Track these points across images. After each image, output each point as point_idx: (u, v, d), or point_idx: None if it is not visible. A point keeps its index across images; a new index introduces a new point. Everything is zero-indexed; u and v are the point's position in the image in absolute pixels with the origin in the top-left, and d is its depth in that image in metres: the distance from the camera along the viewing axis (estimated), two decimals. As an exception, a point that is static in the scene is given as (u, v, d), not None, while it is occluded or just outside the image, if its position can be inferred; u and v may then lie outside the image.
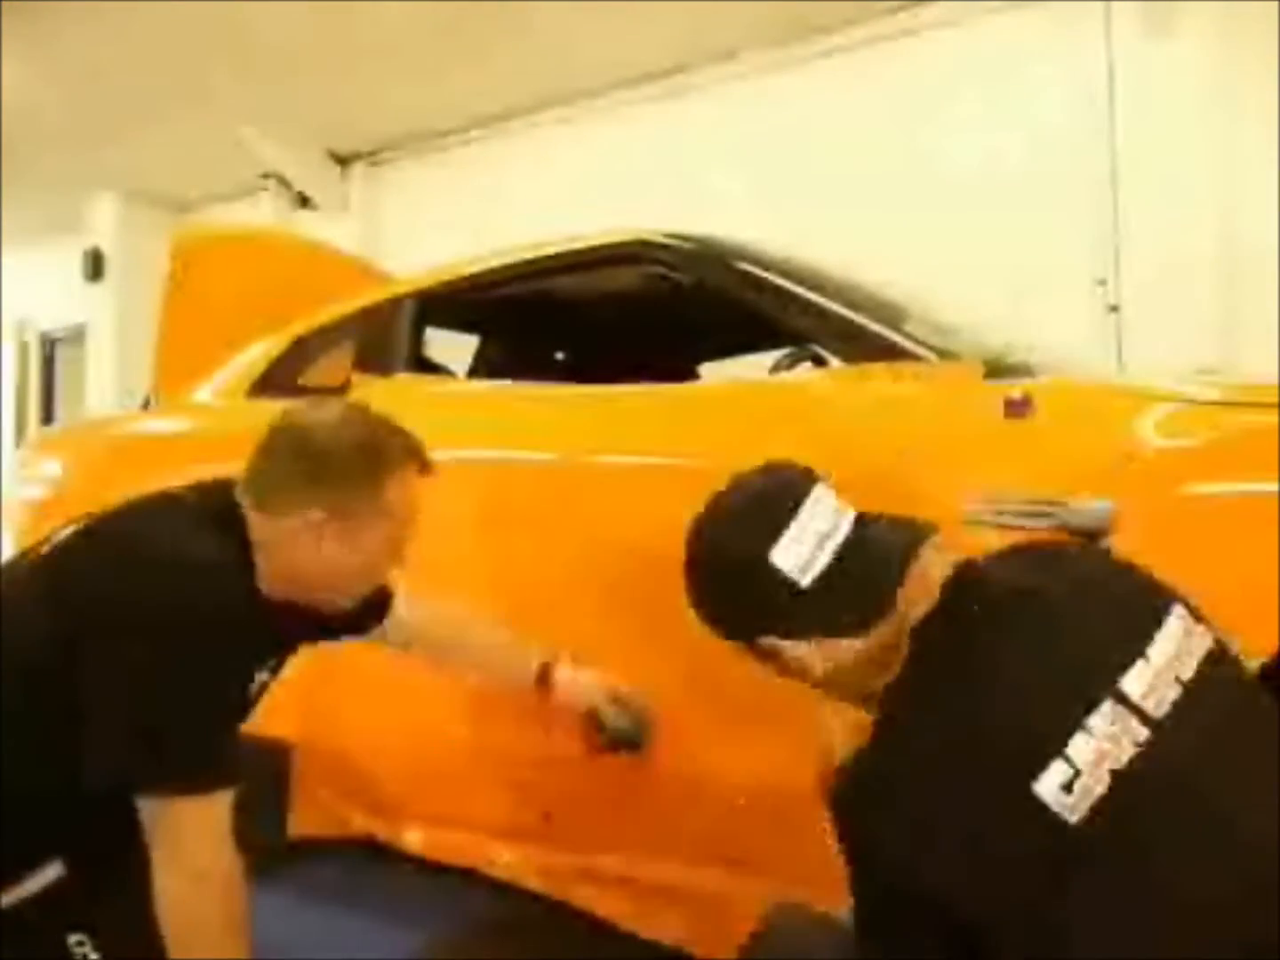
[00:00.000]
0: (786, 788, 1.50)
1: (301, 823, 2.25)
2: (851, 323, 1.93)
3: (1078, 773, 0.93)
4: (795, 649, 1.12)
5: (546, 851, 1.98)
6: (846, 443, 1.78)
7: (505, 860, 2.01)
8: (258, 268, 3.24)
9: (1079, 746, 0.94)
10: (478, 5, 4.55)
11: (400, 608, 1.72)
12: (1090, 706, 0.96)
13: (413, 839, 2.13)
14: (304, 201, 6.37)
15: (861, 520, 1.14)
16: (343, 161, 6.37)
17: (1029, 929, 0.91)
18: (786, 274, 2.07)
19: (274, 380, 2.80)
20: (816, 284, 2.05)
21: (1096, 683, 0.98)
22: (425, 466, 1.45)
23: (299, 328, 2.84)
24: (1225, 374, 3.03)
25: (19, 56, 4.94)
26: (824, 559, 1.10)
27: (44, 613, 1.28)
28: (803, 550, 1.10)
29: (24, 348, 7.95)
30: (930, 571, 1.10)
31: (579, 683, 1.79)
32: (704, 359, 3.31)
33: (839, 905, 1.09)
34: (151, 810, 1.24)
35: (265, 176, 6.27)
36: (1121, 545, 1.47)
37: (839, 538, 1.11)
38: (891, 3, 4.57)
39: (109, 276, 6.90)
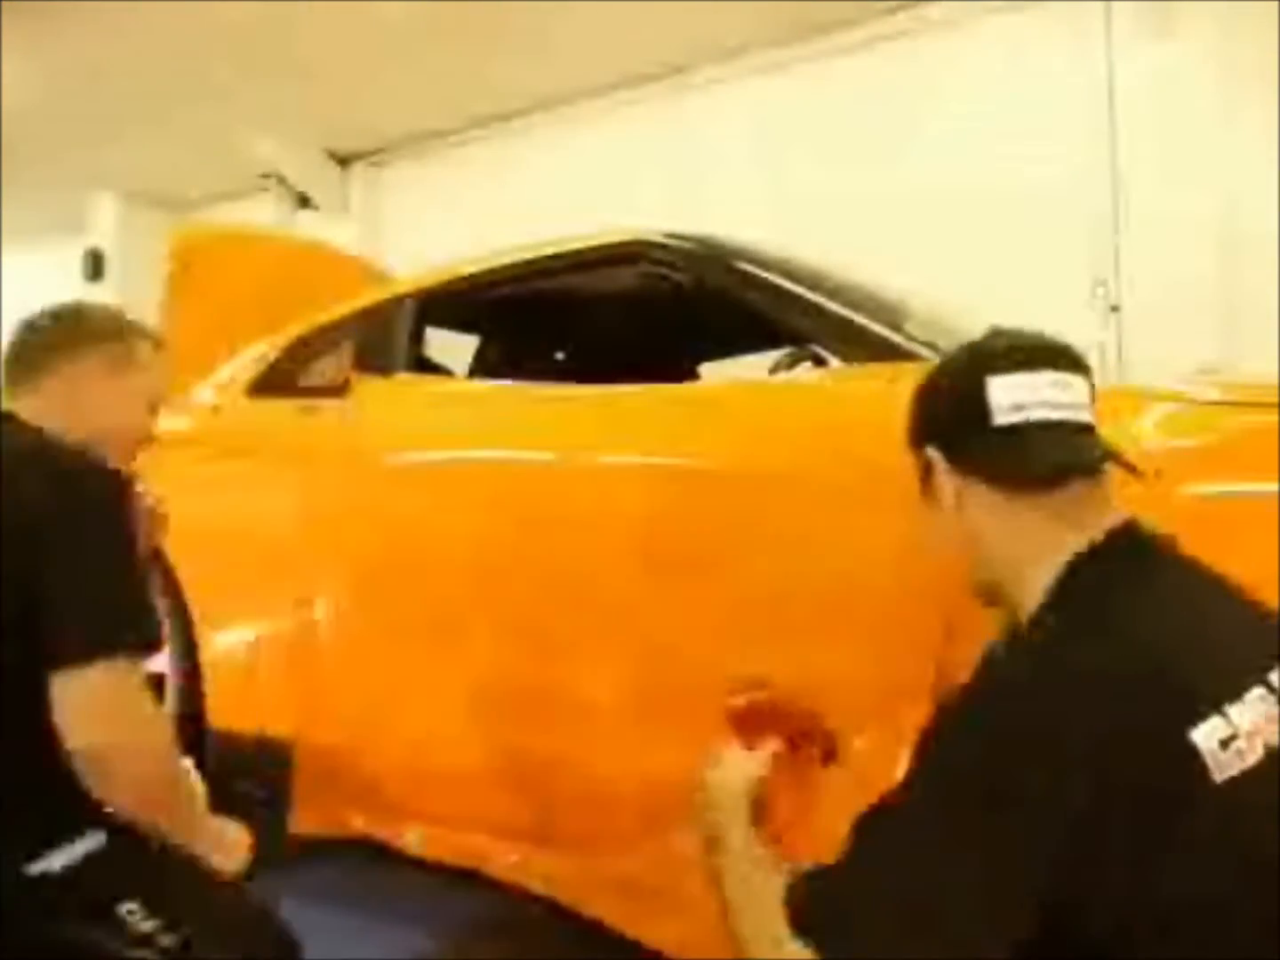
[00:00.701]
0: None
1: (301, 822, 2.25)
2: (851, 323, 1.93)
3: (1235, 734, 0.92)
4: (949, 475, 1.12)
5: (547, 852, 1.98)
6: (846, 442, 1.78)
7: (506, 861, 2.01)
8: (258, 268, 3.24)
9: (1239, 711, 0.94)
10: (478, 5, 4.55)
11: None
12: (1249, 683, 0.96)
13: (412, 839, 2.14)
14: (304, 201, 6.37)
15: (1090, 430, 1.12)
16: (343, 161, 6.37)
17: (1129, 869, 0.89)
18: (786, 274, 2.07)
19: (274, 380, 2.80)
20: (816, 284, 2.05)
21: (1253, 667, 0.99)
22: (159, 344, 1.62)
23: (299, 328, 2.84)
24: (1225, 374, 3.03)
25: (19, 56, 4.94)
26: (1029, 418, 1.08)
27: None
28: (1019, 397, 1.08)
29: (24, 348, 7.94)
30: (1100, 506, 1.09)
31: None
32: (704, 359, 3.31)
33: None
34: (98, 677, 1.26)
35: (265, 176, 6.27)
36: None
37: (1055, 415, 1.09)
38: (891, 3, 4.57)
39: (109, 276, 6.90)
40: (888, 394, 1.80)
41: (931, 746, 0.99)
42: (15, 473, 1.33)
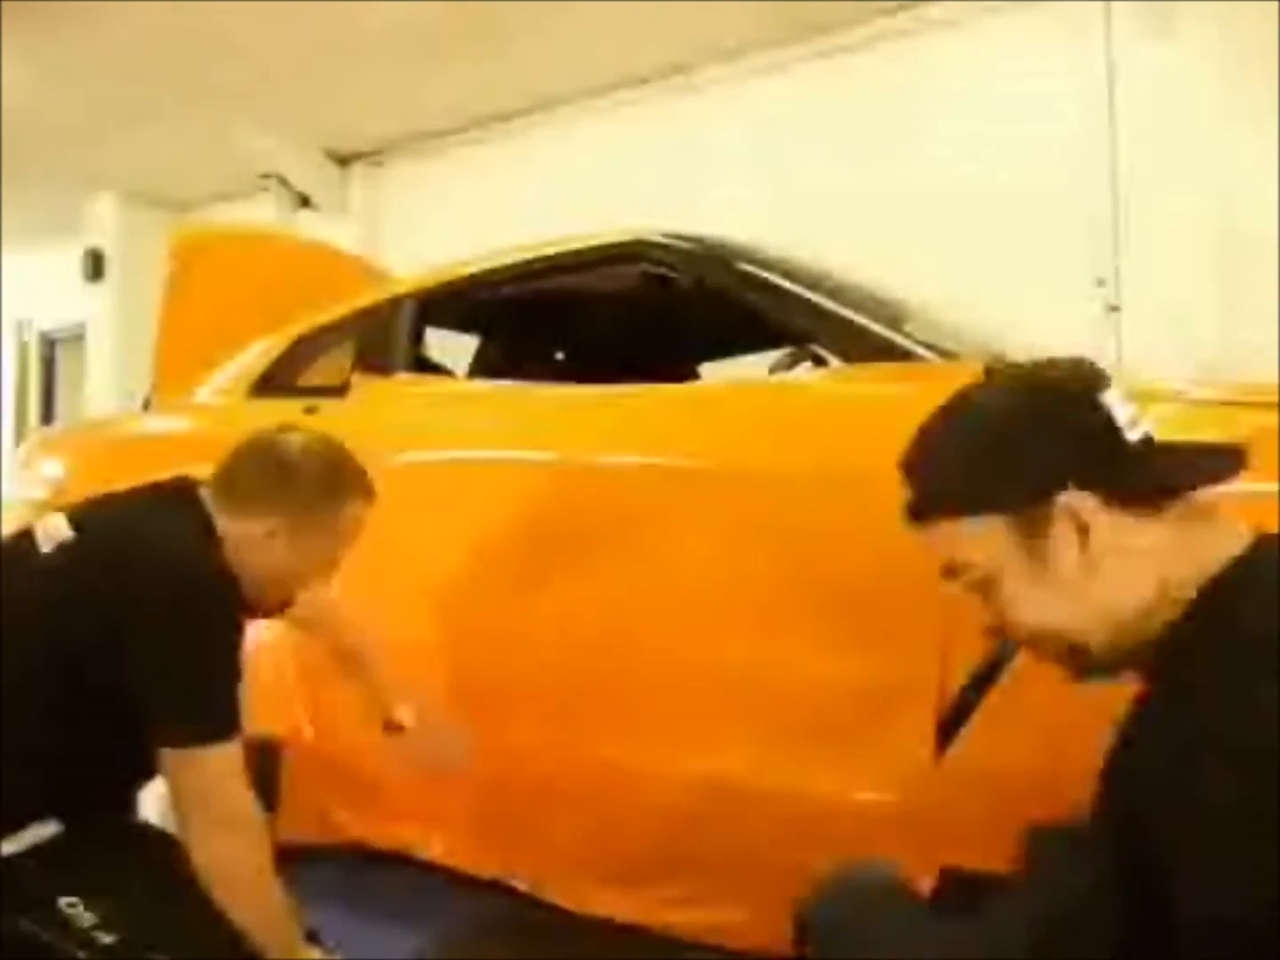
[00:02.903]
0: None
1: (290, 827, 2.23)
2: (851, 323, 1.93)
3: None
4: (1083, 515, 0.97)
5: (538, 853, 1.98)
6: (846, 442, 1.79)
7: (496, 862, 2.02)
8: (258, 268, 3.24)
9: None
10: (477, 5, 4.54)
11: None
12: None
13: (407, 843, 2.14)
14: (304, 201, 6.36)
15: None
16: (343, 161, 6.37)
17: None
18: (786, 274, 2.07)
19: (274, 380, 2.80)
20: (816, 284, 2.05)
21: None
22: (373, 495, 1.63)
23: (299, 328, 2.84)
24: (1225, 374, 3.03)
25: (19, 56, 4.94)
26: (1144, 432, 1.00)
27: (67, 610, 1.44)
28: (1128, 412, 1.00)
29: (24, 348, 7.95)
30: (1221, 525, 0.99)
31: (422, 741, 1.90)
32: (704, 359, 3.31)
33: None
34: (181, 763, 1.39)
35: (265, 176, 6.26)
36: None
37: (1145, 427, 1.00)
38: (891, 3, 4.56)
39: (109, 276, 6.90)
40: (887, 394, 1.81)
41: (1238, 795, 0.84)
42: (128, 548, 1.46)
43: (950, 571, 1.05)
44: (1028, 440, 1.00)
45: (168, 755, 1.40)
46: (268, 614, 1.74)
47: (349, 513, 1.58)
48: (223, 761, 1.40)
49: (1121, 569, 0.98)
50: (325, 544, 1.58)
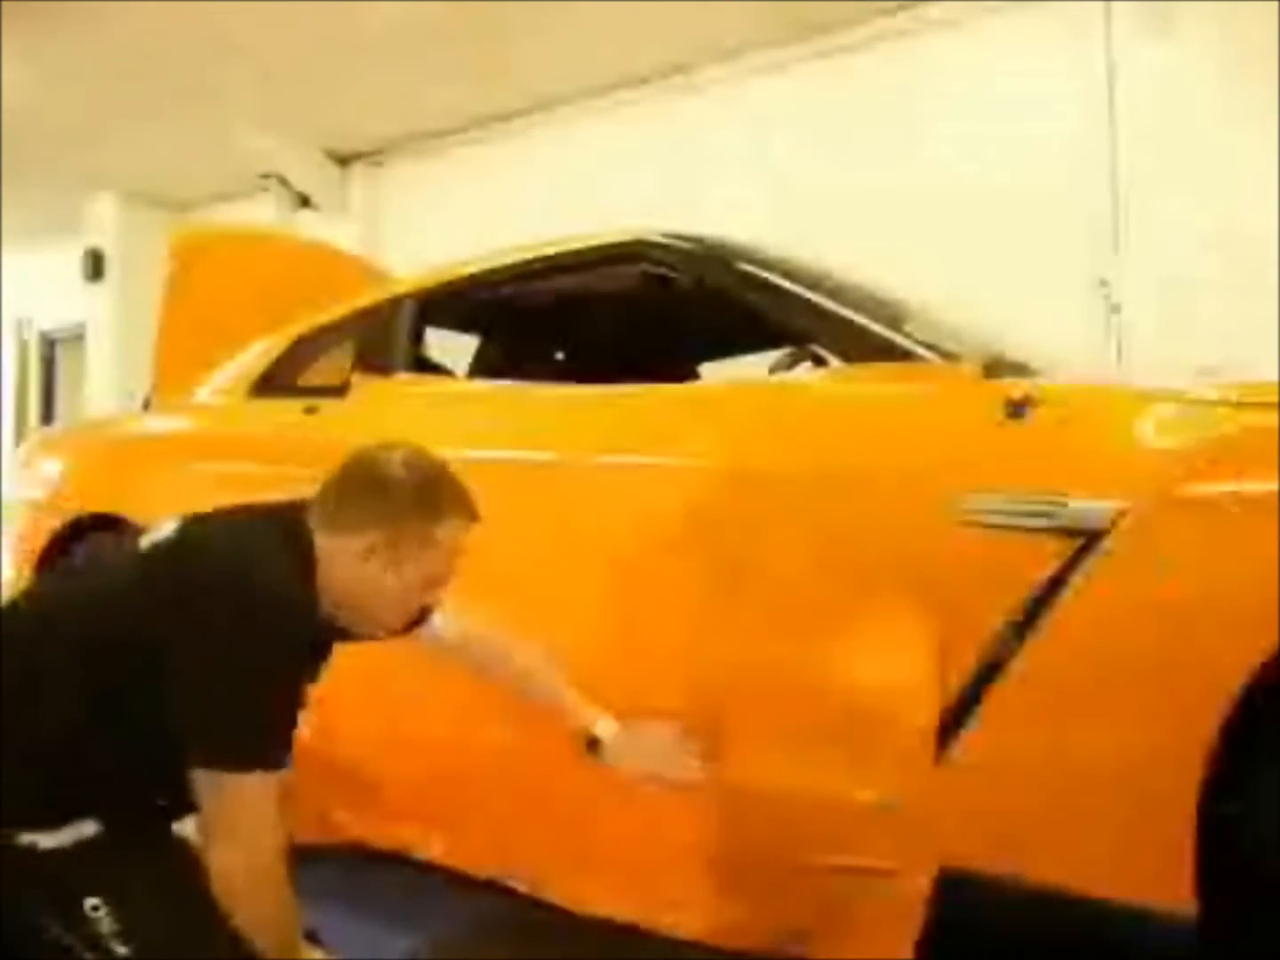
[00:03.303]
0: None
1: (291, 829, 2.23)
2: (851, 323, 1.93)
3: None
4: None
5: (541, 855, 1.98)
6: (846, 442, 1.79)
7: (495, 864, 2.02)
8: (258, 268, 3.24)
9: None
10: (478, 6, 4.54)
11: (438, 620, 1.76)
12: None
13: (407, 843, 2.13)
14: (304, 201, 6.36)
15: None
16: (343, 161, 6.36)
17: None
18: (786, 274, 2.07)
19: (274, 380, 2.80)
20: (816, 284, 2.05)
21: None
22: (475, 517, 1.57)
23: (299, 328, 2.84)
24: (1226, 374, 3.02)
25: (19, 56, 4.93)
26: None
27: (136, 605, 1.43)
28: None
29: (24, 348, 7.94)
30: None
31: (629, 752, 1.76)
32: (704, 359, 3.31)
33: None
34: (214, 787, 1.36)
35: (265, 176, 6.26)
36: (1121, 546, 1.47)
37: None
38: (891, 3, 4.56)
39: (109, 276, 6.89)
40: (887, 394, 1.81)
41: None
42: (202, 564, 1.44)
43: None
44: None
45: (200, 775, 1.37)
46: (370, 637, 1.67)
47: (446, 529, 1.52)
48: (254, 790, 1.36)
49: None
50: (423, 562, 1.52)
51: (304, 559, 1.49)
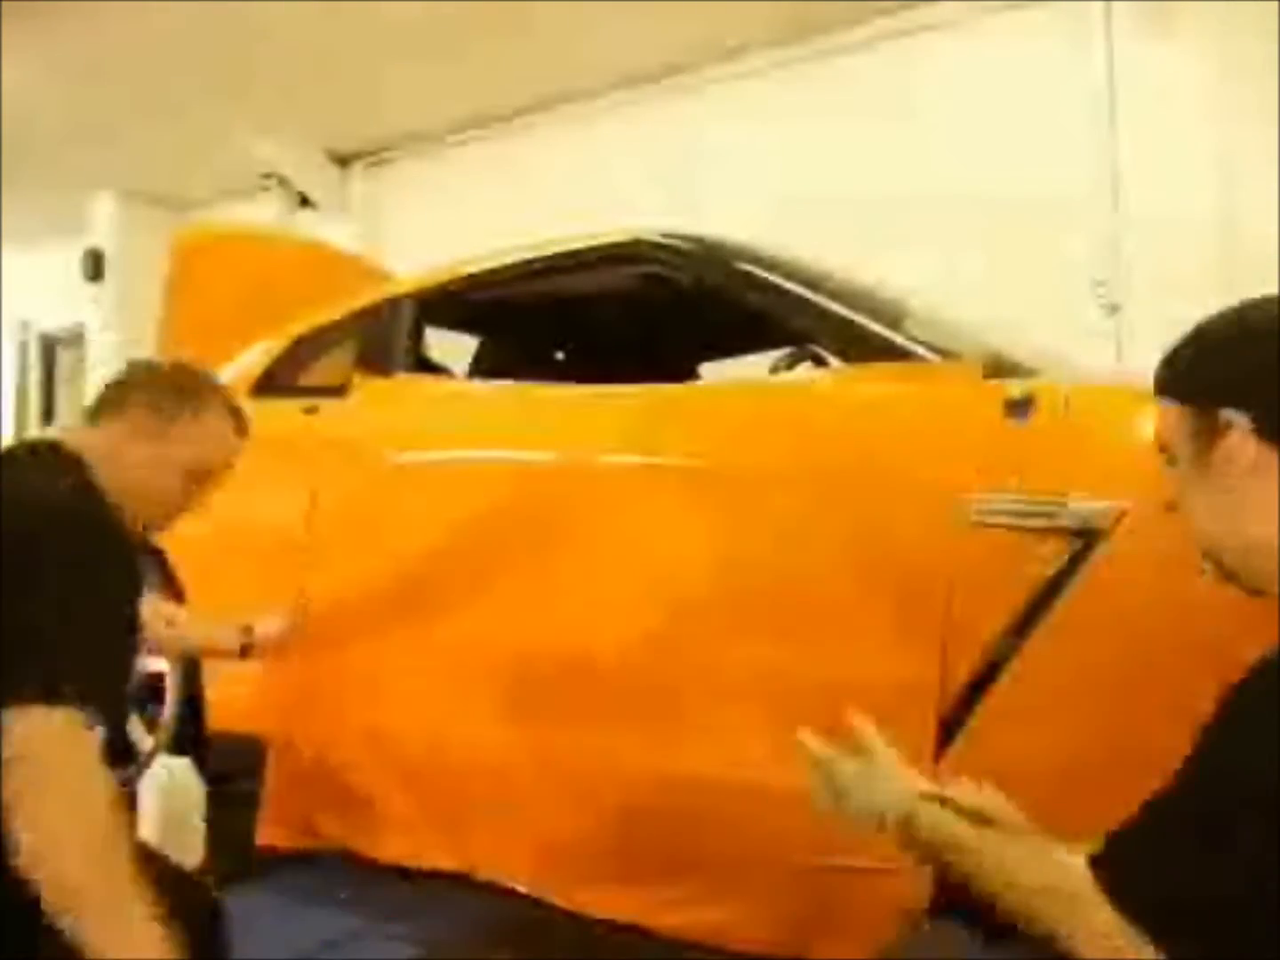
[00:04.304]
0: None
1: (271, 832, 2.23)
2: (851, 323, 1.93)
3: None
4: (1254, 441, 1.01)
5: (535, 855, 1.98)
6: (846, 442, 1.78)
7: (487, 864, 2.01)
8: (258, 268, 3.24)
9: None
10: (478, 5, 4.54)
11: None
12: None
13: (390, 847, 2.13)
14: (304, 201, 6.36)
15: None
16: (343, 161, 6.36)
17: None
18: (786, 274, 2.07)
19: (274, 380, 2.80)
20: (816, 284, 2.05)
21: None
22: (242, 428, 1.59)
23: (299, 328, 2.84)
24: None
25: (19, 56, 4.93)
26: None
27: None
28: None
29: (24, 348, 7.95)
30: None
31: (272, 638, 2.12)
32: (704, 359, 3.31)
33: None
34: (27, 726, 1.13)
35: (265, 176, 6.26)
36: (1121, 545, 1.47)
37: None
38: (891, 3, 4.56)
39: (109, 276, 6.89)
40: (887, 394, 1.81)
41: None
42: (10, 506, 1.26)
43: (1160, 448, 1.12)
44: (1226, 357, 1.09)
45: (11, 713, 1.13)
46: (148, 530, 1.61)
47: (212, 419, 1.54)
48: (78, 734, 1.14)
49: (1261, 504, 1.02)
50: (187, 451, 1.52)
51: (78, 465, 1.41)
